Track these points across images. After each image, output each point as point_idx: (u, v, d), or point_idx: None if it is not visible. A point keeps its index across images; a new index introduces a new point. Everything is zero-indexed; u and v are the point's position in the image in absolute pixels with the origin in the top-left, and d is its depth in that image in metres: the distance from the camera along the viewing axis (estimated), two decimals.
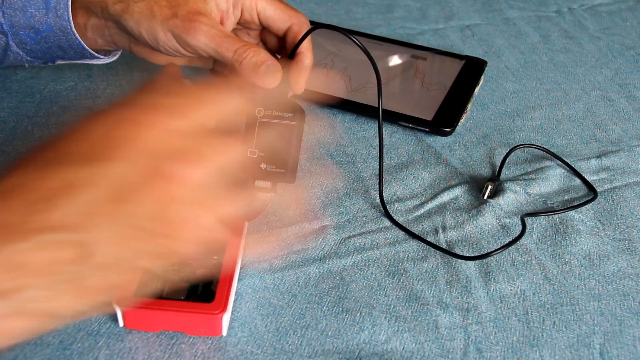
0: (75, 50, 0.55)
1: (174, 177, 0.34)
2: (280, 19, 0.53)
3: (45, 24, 0.53)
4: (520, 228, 0.53)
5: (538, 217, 0.54)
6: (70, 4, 0.52)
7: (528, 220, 0.54)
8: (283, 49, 0.55)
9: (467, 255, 0.50)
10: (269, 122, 0.49)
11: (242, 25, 0.56)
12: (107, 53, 0.58)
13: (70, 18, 0.53)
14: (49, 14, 0.52)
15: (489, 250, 0.50)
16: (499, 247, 0.50)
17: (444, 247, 0.51)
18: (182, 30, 0.49)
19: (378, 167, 0.59)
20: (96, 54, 0.56)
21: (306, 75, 0.53)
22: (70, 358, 0.42)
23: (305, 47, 0.53)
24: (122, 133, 0.34)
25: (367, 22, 0.83)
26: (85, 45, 0.55)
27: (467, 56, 0.73)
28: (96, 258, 0.32)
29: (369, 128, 0.63)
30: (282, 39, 0.55)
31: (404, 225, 0.53)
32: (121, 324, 0.43)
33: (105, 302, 0.35)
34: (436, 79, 0.69)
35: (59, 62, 0.59)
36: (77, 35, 0.54)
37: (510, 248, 0.51)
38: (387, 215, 0.54)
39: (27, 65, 0.59)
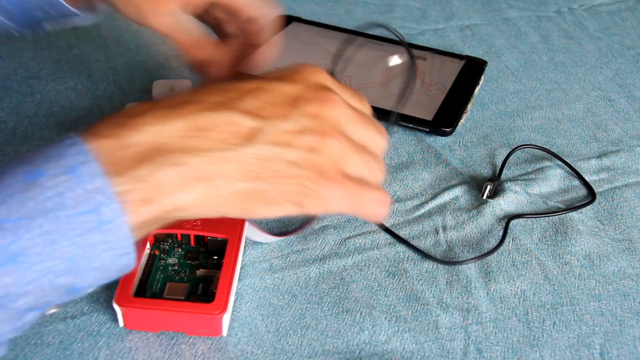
0: (56, 8, 0.53)
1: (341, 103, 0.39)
2: (247, 8, 0.52)
3: None
4: (519, 229, 0.53)
5: (538, 218, 0.54)
6: None
7: (520, 222, 0.54)
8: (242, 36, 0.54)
9: (461, 260, 0.50)
10: None
11: (207, 18, 0.54)
12: (91, 9, 0.56)
13: None
14: None
15: (484, 252, 0.50)
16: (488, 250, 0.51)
17: (444, 247, 0.51)
18: (143, 8, 0.48)
19: None
20: (75, 11, 0.54)
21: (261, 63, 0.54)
22: (70, 358, 0.42)
23: (269, 39, 0.53)
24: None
25: (367, 22, 0.82)
26: (64, 2, 0.52)
27: (467, 56, 0.73)
28: (260, 144, 0.36)
29: None
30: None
31: (404, 225, 0.53)
32: (121, 324, 0.43)
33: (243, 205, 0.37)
34: (436, 79, 0.69)
35: (47, 27, 0.56)
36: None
37: (510, 248, 0.51)
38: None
39: (17, 35, 0.57)
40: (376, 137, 0.41)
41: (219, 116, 0.36)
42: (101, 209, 0.32)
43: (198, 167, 0.34)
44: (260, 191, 0.36)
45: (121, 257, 0.34)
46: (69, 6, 0.54)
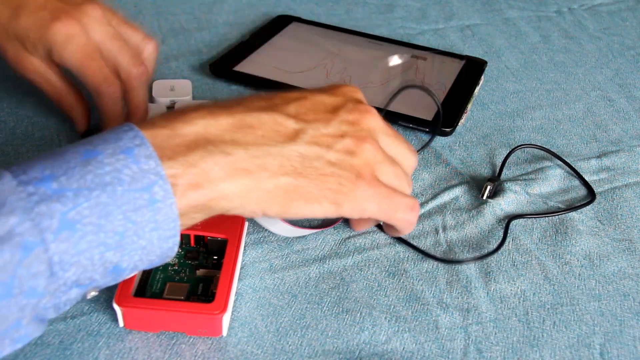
0: None
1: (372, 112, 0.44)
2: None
3: None
4: (519, 229, 0.53)
5: (538, 218, 0.54)
6: None
7: (520, 222, 0.54)
8: None
9: (461, 259, 0.50)
10: None
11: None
12: None
13: None
14: None
15: (485, 253, 0.50)
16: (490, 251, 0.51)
17: (444, 247, 0.51)
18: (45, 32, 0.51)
19: None
20: None
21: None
22: (70, 358, 0.42)
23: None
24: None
25: (367, 22, 0.83)
26: None
27: (467, 56, 0.73)
28: (303, 143, 0.40)
29: None
30: None
31: None
32: (121, 324, 0.43)
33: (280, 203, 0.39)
34: (436, 79, 0.69)
35: None
36: None
37: (510, 248, 0.51)
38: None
39: None
40: (408, 154, 0.45)
41: (265, 116, 0.39)
42: (154, 188, 0.34)
43: (244, 158, 0.37)
44: (301, 187, 0.39)
45: (166, 240, 0.36)
46: None
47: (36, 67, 0.55)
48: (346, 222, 0.53)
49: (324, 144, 0.40)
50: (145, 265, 0.36)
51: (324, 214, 0.40)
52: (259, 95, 0.42)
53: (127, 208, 0.34)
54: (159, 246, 0.35)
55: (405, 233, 0.47)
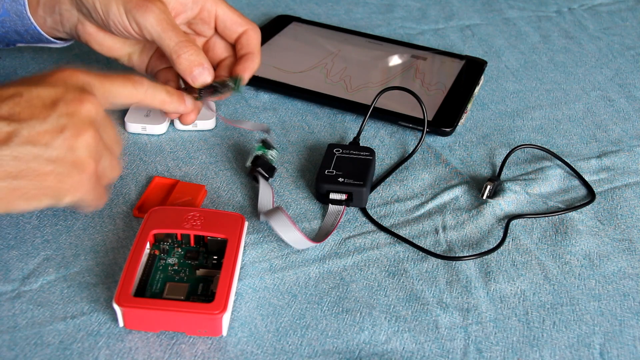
0: (32, 35, 0.56)
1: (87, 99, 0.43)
2: (237, 23, 0.58)
3: (2, 8, 0.54)
4: (519, 229, 0.53)
5: (538, 218, 0.54)
6: None
7: (520, 222, 0.54)
8: (225, 59, 0.59)
9: (461, 255, 0.50)
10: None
11: (194, 28, 0.59)
12: (68, 40, 0.60)
13: (26, 2, 0.54)
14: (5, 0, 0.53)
15: (484, 250, 0.50)
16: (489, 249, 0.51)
17: (444, 247, 0.51)
18: (134, 7, 0.51)
19: (373, 170, 0.59)
20: (52, 39, 0.57)
21: (251, 73, 0.58)
22: (70, 358, 0.42)
23: (257, 49, 0.58)
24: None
25: (367, 22, 0.83)
26: (41, 30, 0.56)
27: (467, 56, 0.73)
28: (16, 146, 0.40)
29: (369, 128, 0.63)
30: (224, 48, 0.60)
31: (404, 224, 0.53)
32: (121, 324, 0.43)
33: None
34: (436, 79, 0.69)
35: (19, 45, 0.59)
36: (32, 20, 0.55)
37: (510, 248, 0.51)
38: (369, 218, 0.54)
39: None
40: (116, 141, 0.46)
41: None
42: None
43: None
44: (18, 189, 0.40)
45: None
46: (46, 35, 0.57)
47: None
48: (346, 221, 0.53)
49: (42, 142, 0.40)
50: None
51: (46, 207, 0.42)
52: None
53: None
54: None
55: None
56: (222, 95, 0.56)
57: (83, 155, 0.42)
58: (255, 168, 0.54)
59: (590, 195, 0.56)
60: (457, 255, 0.50)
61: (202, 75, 0.54)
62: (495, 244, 0.51)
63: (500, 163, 0.59)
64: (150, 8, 0.51)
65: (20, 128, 0.40)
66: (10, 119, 0.40)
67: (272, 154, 0.56)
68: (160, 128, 0.61)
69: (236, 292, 0.46)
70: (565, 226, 0.53)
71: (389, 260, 0.50)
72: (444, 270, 0.49)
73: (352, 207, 0.54)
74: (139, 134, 0.61)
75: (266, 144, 0.56)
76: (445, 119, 0.63)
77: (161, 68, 0.59)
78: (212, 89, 0.55)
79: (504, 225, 0.53)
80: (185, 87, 0.56)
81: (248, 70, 0.57)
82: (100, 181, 0.44)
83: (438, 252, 0.50)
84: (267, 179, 0.55)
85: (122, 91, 0.47)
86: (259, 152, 0.55)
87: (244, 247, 0.49)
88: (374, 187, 0.56)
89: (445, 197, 0.56)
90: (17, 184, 0.40)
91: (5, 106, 0.41)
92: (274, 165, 0.56)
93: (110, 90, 0.46)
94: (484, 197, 0.55)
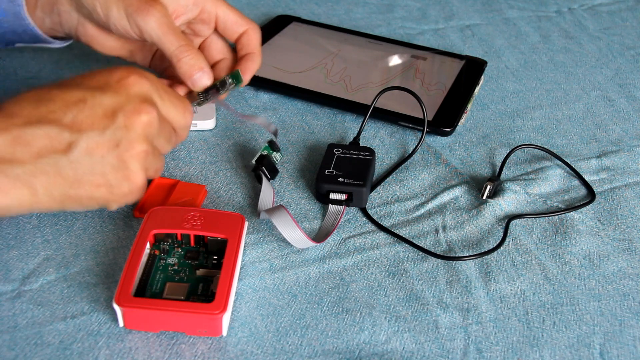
0: (30, 35, 0.56)
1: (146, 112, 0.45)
2: (237, 23, 0.58)
3: None
4: (519, 229, 0.53)
5: (538, 218, 0.54)
6: None
7: (520, 222, 0.54)
8: (223, 60, 0.60)
9: (460, 255, 0.50)
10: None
11: (193, 28, 0.58)
12: (66, 39, 0.60)
13: (23, 3, 0.54)
14: (3, 0, 0.53)
15: (484, 250, 0.50)
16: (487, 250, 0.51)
17: (444, 247, 0.51)
18: (135, 10, 0.51)
19: (373, 170, 0.59)
20: (50, 39, 0.58)
21: (252, 74, 0.58)
22: (70, 358, 0.42)
23: (258, 49, 0.59)
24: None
25: (367, 22, 0.83)
26: (39, 31, 0.56)
27: (467, 56, 0.73)
28: (76, 155, 0.42)
29: (369, 128, 0.63)
30: (222, 47, 0.60)
31: (404, 224, 0.53)
32: (121, 324, 0.43)
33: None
34: (436, 79, 0.69)
35: (18, 45, 0.59)
36: (30, 20, 0.55)
37: (510, 248, 0.51)
38: (369, 218, 0.54)
39: None
40: (166, 145, 0.49)
41: (39, 131, 0.41)
42: None
43: (20, 177, 0.40)
44: (73, 197, 0.43)
45: None
46: (43, 35, 0.57)
47: None
48: (346, 221, 0.53)
49: (98, 154, 0.42)
50: None
51: (97, 207, 0.45)
52: (39, 98, 0.43)
53: None
54: None
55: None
56: (224, 94, 0.56)
57: (134, 169, 0.44)
58: (259, 167, 0.54)
59: (590, 195, 0.56)
60: (457, 255, 0.50)
61: (202, 79, 0.54)
62: (496, 244, 0.51)
63: (500, 163, 0.59)
64: (151, 12, 0.51)
65: (79, 138, 0.42)
66: (73, 127, 0.42)
67: (276, 156, 0.57)
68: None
69: (236, 292, 0.46)
70: (565, 226, 0.53)
71: (389, 260, 0.50)
72: (444, 270, 0.49)
73: (352, 207, 0.54)
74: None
75: (273, 146, 0.57)
76: (445, 119, 0.63)
77: (166, 66, 0.59)
78: (214, 90, 0.55)
79: (504, 225, 0.53)
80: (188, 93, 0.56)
81: (249, 70, 0.58)
82: (146, 183, 0.46)
83: (438, 252, 0.50)
84: (269, 180, 0.55)
85: (174, 113, 0.49)
86: (265, 152, 0.56)
87: (244, 247, 0.49)
88: (374, 187, 0.56)
89: (445, 197, 0.56)
90: (73, 193, 0.43)
91: (70, 113, 0.42)
92: (276, 167, 0.56)
93: (165, 107, 0.48)
94: (484, 197, 0.55)
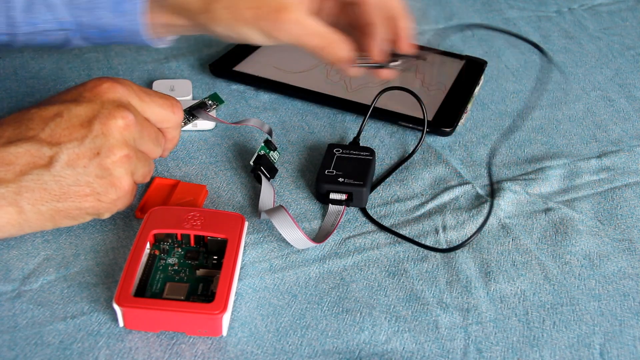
0: (135, 40, 0.56)
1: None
2: None
3: (114, 25, 0.54)
4: (519, 229, 0.53)
5: (538, 218, 0.54)
6: (142, 11, 0.53)
7: (520, 222, 0.54)
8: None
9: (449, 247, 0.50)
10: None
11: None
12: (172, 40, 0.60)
13: (144, 23, 0.54)
14: (118, 18, 0.53)
15: (470, 235, 0.50)
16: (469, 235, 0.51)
17: (444, 247, 0.51)
18: (270, 29, 0.51)
19: (373, 170, 0.59)
20: (157, 45, 0.58)
21: (409, 37, 0.57)
22: (70, 358, 0.42)
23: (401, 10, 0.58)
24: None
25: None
26: (151, 43, 0.56)
27: (467, 56, 0.73)
28: (58, 168, 0.42)
29: (369, 128, 0.63)
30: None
31: (404, 224, 0.53)
32: (121, 324, 0.43)
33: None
34: (436, 79, 0.69)
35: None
36: (146, 36, 0.55)
37: (510, 248, 0.51)
38: (368, 216, 0.54)
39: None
40: (154, 148, 0.49)
41: (20, 149, 0.42)
42: None
43: (5, 196, 0.41)
44: (62, 210, 0.43)
45: None
46: (151, 42, 0.56)
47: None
48: (346, 221, 0.53)
49: (80, 165, 0.43)
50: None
51: (90, 219, 0.46)
52: (17, 119, 0.43)
53: None
54: None
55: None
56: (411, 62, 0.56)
57: (119, 174, 0.44)
58: (258, 167, 0.54)
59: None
60: (457, 255, 0.50)
61: (345, 70, 0.54)
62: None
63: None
64: (283, 26, 0.51)
65: (59, 151, 0.42)
66: (52, 142, 0.42)
67: (273, 155, 0.57)
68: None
69: (236, 292, 0.46)
70: (565, 226, 0.53)
71: (389, 260, 0.50)
72: (444, 270, 0.49)
73: (352, 207, 0.54)
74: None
75: (269, 145, 0.57)
76: (445, 119, 0.63)
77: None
78: (197, 109, 0.58)
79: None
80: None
81: (405, 31, 0.57)
82: (134, 188, 0.47)
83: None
84: (268, 179, 0.55)
85: (160, 112, 0.48)
86: (262, 152, 0.56)
87: (244, 247, 0.49)
88: (374, 187, 0.56)
89: (445, 197, 0.56)
90: (61, 206, 0.43)
91: (48, 128, 0.43)
92: (275, 166, 0.56)
93: (148, 108, 0.47)
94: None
